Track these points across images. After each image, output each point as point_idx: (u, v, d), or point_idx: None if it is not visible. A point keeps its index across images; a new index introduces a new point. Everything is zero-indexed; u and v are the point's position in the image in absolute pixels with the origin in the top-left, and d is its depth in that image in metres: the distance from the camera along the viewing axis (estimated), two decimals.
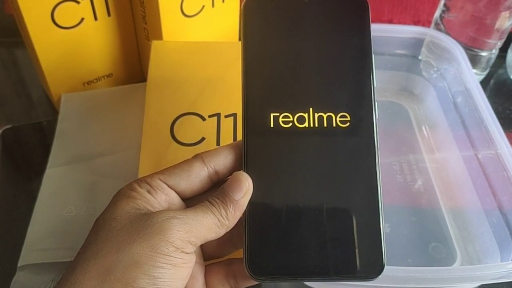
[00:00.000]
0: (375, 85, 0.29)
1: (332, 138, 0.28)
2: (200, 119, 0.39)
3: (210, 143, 0.37)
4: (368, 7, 0.30)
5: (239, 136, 0.38)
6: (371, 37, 0.30)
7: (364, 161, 0.28)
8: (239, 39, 0.54)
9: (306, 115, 0.28)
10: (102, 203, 0.40)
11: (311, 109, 0.28)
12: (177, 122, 0.39)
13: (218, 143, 0.37)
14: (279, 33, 0.30)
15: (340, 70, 0.29)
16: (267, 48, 0.29)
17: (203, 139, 0.38)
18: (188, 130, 0.38)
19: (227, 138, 0.38)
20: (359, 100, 0.29)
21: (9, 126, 0.50)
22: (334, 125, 0.28)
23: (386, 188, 0.46)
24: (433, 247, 0.42)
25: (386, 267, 0.26)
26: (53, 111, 0.50)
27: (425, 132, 0.52)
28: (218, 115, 0.39)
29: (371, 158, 0.28)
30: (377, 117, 0.28)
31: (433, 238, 0.42)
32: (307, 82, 0.29)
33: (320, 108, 0.28)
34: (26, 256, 0.37)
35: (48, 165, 0.43)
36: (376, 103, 0.29)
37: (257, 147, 0.28)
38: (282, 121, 0.28)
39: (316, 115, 0.28)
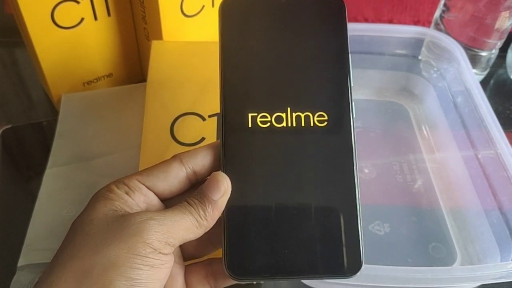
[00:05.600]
0: (352, 84, 0.29)
1: (310, 138, 0.28)
2: (200, 119, 0.39)
3: None
4: (345, 7, 0.31)
5: None
6: (348, 37, 0.30)
7: (341, 160, 0.28)
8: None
9: (284, 115, 0.28)
10: None
11: (288, 108, 0.28)
12: (177, 122, 0.39)
13: None
14: (256, 33, 0.30)
15: (317, 70, 0.29)
16: (244, 48, 0.30)
17: (203, 139, 0.38)
18: (188, 130, 0.38)
19: None
20: (336, 100, 0.29)
21: (9, 126, 0.50)
22: (312, 124, 0.28)
23: (386, 188, 0.46)
24: (433, 247, 0.42)
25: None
26: (53, 111, 0.50)
27: (425, 132, 0.52)
28: (218, 115, 0.39)
29: (349, 157, 0.28)
30: (354, 116, 0.29)
31: (433, 238, 0.42)
32: (285, 82, 0.29)
33: (298, 107, 0.28)
34: (26, 256, 0.37)
35: (48, 165, 0.43)
36: (353, 102, 0.29)
37: (235, 147, 0.28)
38: (260, 121, 0.28)
39: (294, 114, 0.28)
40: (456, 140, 0.47)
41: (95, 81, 0.50)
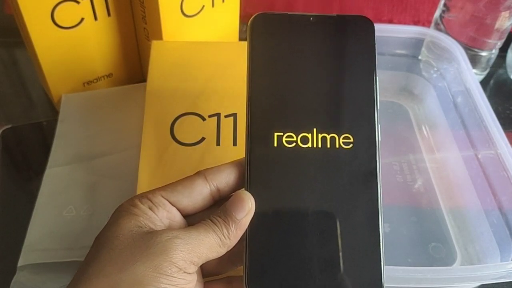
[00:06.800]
0: (378, 107, 0.29)
1: (335, 159, 0.28)
2: (200, 119, 0.39)
3: (210, 143, 0.37)
4: (373, 27, 0.30)
5: (239, 137, 0.38)
6: (376, 59, 0.30)
7: (365, 183, 0.28)
8: (239, 40, 0.54)
9: (309, 136, 0.28)
10: (102, 203, 0.40)
11: (314, 129, 0.28)
12: (177, 122, 0.39)
13: (218, 143, 0.37)
14: (284, 51, 0.30)
15: (344, 91, 0.29)
16: (272, 67, 0.30)
17: (203, 139, 0.38)
18: (188, 130, 0.38)
19: (227, 138, 0.38)
20: (362, 122, 0.29)
21: (9, 126, 0.50)
22: (337, 146, 0.28)
23: (386, 188, 0.46)
24: (433, 247, 0.42)
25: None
26: (53, 111, 0.50)
27: (425, 132, 0.52)
28: (218, 115, 0.39)
29: (373, 180, 0.28)
30: (379, 139, 0.29)
31: (433, 238, 0.42)
32: (311, 102, 0.29)
33: (324, 128, 0.28)
34: (26, 256, 0.37)
35: (48, 165, 0.43)
36: (379, 125, 0.29)
37: (260, 166, 0.28)
38: (286, 141, 0.28)
39: (320, 135, 0.28)
40: (456, 140, 0.47)
41: (95, 81, 0.50)
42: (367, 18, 0.31)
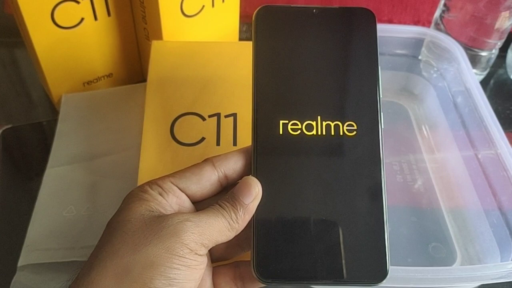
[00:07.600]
0: (381, 96, 0.30)
1: (339, 146, 0.29)
2: (200, 119, 0.39)
3: (210, 143, 0.37)
4: (375, 17, 0.31)
5: (239, 136, 0.38)
6: (378, 49, 0.31)
7: (369, 170, 0.28)
8: (239, 40, 0.54)
9: (314, 123, 0.29)
10: (102, 203, 0.40)
11: (319, 117, 0.29)
12: (177, 122, 0.39)
13: (218, 143, 0.37)
14: (288, 42, 0.31)
15: (347, 80, 0.30)
16: (276, 56, 0.30)
17: (203, 139, 0.38)
18: (188, 130, 0.38)
19: (227, 138, 0.38)
20: (365, 110, 0.29)
21: (9, 126, 0.50)
22: (341, 133, 0.29)
23: (386, 188, 0.46)
24: (433, 247, 0.42)
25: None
26: (53, 111, 0.50)
27: (425, 132, 0.52)
28: (218, 115, 0.39)
29: (377, 166, 0.28)
30: (382, 127, 0.29)
31: (433, 238, 0.42)
32: (316, 91, 0.30)
33: (328, 116, 0.29)
34: (26, 256, 0.37)
35: (48, 165, 0.43)
36: (382, 113, 0.29)
37: (266, 153, 0.28)
38: (291, 129, 0.29)
39: (324, 123, 0.29)
40: (456, 140, 0.47)
41: (95, 81, 0.50)
42: (369, 9, 0.31)
